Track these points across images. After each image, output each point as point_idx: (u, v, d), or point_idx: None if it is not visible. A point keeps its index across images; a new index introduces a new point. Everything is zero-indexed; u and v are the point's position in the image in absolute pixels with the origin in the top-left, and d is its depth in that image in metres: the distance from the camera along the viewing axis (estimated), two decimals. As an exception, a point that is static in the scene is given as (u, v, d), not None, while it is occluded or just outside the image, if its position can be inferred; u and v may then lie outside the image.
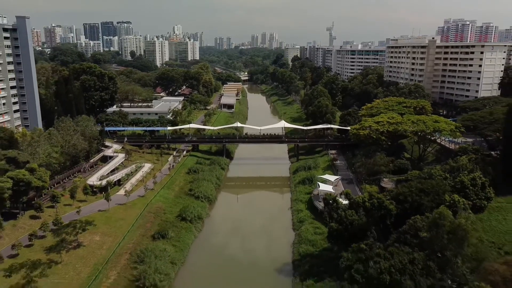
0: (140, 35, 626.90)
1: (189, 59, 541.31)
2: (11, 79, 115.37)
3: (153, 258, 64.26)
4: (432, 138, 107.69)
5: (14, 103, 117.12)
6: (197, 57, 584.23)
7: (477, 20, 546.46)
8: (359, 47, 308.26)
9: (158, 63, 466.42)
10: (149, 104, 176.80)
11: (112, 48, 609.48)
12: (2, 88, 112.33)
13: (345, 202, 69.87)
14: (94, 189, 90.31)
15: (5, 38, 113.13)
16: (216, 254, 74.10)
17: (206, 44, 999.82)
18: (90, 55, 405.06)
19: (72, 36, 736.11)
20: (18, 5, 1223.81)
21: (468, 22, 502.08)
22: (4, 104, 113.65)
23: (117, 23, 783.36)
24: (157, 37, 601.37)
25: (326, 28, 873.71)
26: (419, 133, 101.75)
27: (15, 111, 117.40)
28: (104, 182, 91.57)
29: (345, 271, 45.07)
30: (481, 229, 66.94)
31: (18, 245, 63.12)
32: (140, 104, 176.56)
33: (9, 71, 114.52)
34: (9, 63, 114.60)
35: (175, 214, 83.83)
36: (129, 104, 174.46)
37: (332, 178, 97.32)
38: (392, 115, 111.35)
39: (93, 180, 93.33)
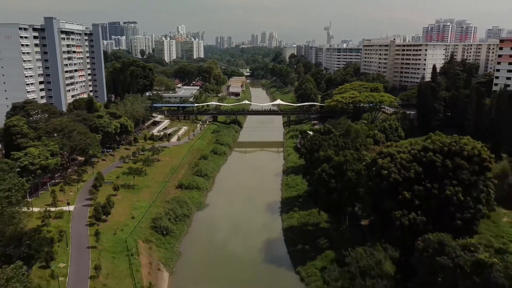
0: (148, 35, 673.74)
1: (195, 57, 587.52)
2: (88, 68, 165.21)
3: (203, 165, 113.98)
4: (379, 108, 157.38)
5: (89, 85, 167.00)
6: (202, 55, 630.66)
7: (467, 19, 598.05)
8: (344, 46, 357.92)
9: (166, 61, 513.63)
10: (174, 91, 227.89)
11: (120, 47, 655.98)
12: (83, 75, 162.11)
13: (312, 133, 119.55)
14: (155, 138, 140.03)
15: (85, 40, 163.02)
16: (236, 170, 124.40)
17: (207, 43, 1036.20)
18: (110, 53, 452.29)
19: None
20: (18, 4, 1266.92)
21: (448, 23, 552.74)
22: (83, 86, 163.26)
23: (124, 23, 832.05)
24: (165, 36, 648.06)
25: (324, 28, 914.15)
26: (370, 104, 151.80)
27: (90, 91, 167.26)
28: (161, 133, 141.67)
29: (301, 147, 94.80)
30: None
31: (128, 157, 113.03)
32: (166, 91, 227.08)
33: (87, 63, 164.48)
34: (87, 57, 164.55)
35: (209, 151, 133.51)
36: (157, 92, 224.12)
37: (311, 133, 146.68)
38: (353, 92, 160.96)
39: (155, 132, 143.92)
